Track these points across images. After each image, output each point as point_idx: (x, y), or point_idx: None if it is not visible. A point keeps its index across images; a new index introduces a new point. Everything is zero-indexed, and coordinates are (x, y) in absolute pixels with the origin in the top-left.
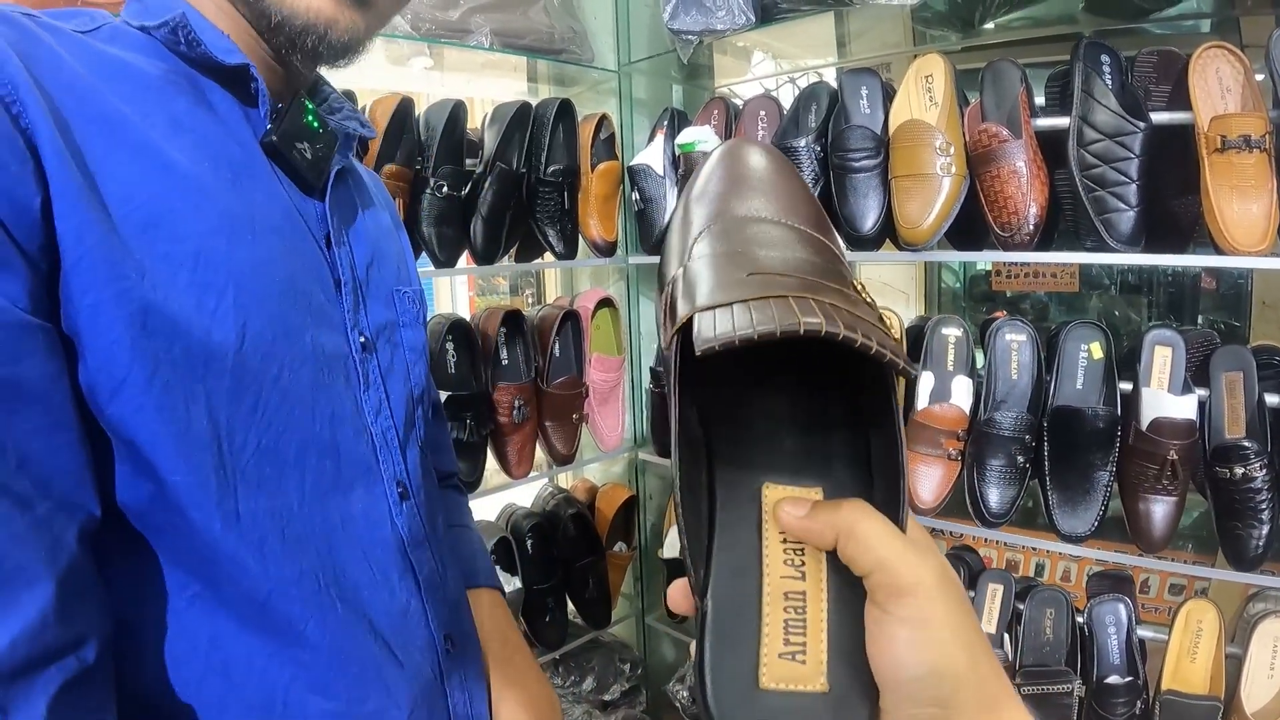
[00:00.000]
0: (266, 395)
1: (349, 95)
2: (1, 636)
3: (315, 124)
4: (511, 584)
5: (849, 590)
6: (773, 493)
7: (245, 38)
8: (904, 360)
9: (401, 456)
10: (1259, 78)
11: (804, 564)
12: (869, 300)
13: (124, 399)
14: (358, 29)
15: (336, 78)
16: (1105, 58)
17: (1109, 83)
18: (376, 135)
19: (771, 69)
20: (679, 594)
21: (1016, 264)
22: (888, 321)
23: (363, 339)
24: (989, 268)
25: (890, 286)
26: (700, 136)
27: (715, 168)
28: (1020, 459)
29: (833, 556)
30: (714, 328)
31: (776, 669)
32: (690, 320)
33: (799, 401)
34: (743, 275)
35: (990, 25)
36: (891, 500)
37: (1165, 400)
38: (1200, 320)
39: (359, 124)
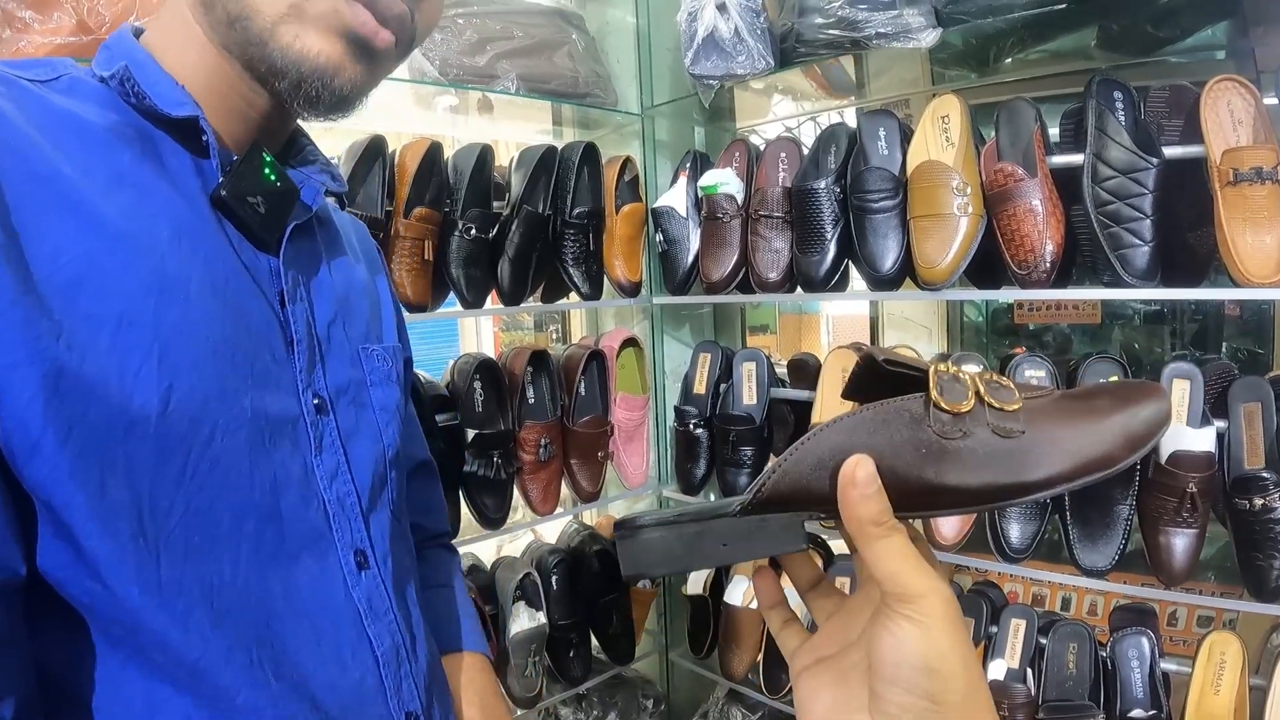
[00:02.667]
0: (195, 461)
1: (377, 142)
2: None
3: (272, 177)
4: (536, 619)
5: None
6: None
7: (219, 86)
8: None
9: (363, 523)
10: (1272, 101)
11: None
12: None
13: (39, 462)
14: (359, 81)
15: (364, 122)
16: (1118, 94)
17: (1122, 119)
18: (346, 189)
19: (792, 108)
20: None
21: (1040, 298)
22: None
23: (317, 400)
24: (1011, 302)
25: (913, 322)
26: (722, 179)
27: None
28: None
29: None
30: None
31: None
32: None
33: None
34: None
35: (1009, 61)
36: None
37: (1184, 433)
38: (1224, 348)
39: (330, 178)
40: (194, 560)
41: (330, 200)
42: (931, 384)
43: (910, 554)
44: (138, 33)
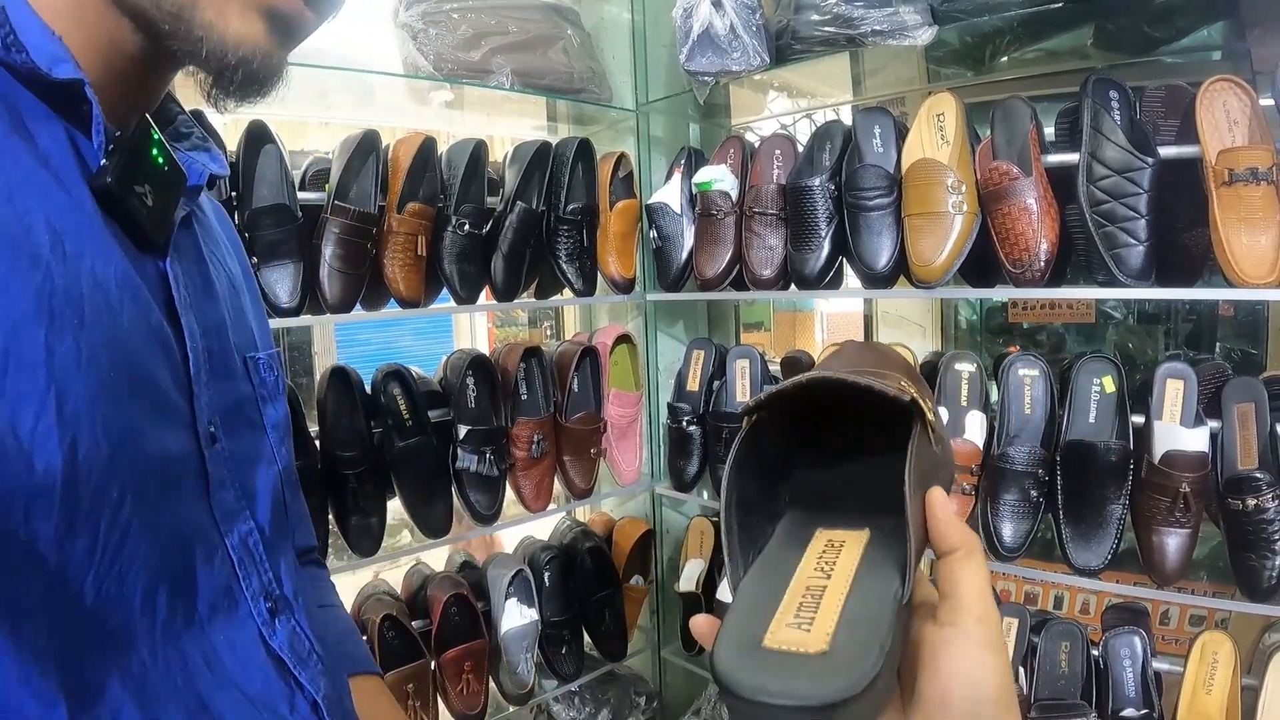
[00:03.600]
0: (106, 530)
1: (371, 137)
2: None
3: (161, 160)
4: (529, 616)
5: (872, 583)
6: (823, 535)
7: (101, 44)
8: (904, 395)
9: (270, 563)
10: (1269, 102)
11: (833, 569)
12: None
13: None
14: (275, 63)
15: (358, 116)
16: (1113, 93)
17: (1117, 119)
18: (228, 172)
19: (788, 105)
20: (702, 626)
21: (1034, 297)
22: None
23: (211, 428)
24: (1005, 300)
25: (907, 320)
26: (716, 175)
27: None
28: (1034, 493)
29: (863, 559)
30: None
31: (781, 633)
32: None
33: (864, 468)
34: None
35: (1005, 59)
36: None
37: (1177, 433)
38: (1218, 348)
39: (209, 157)
40: (112, 651)
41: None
42: (927, 410)
43: (986, 584)
44: None
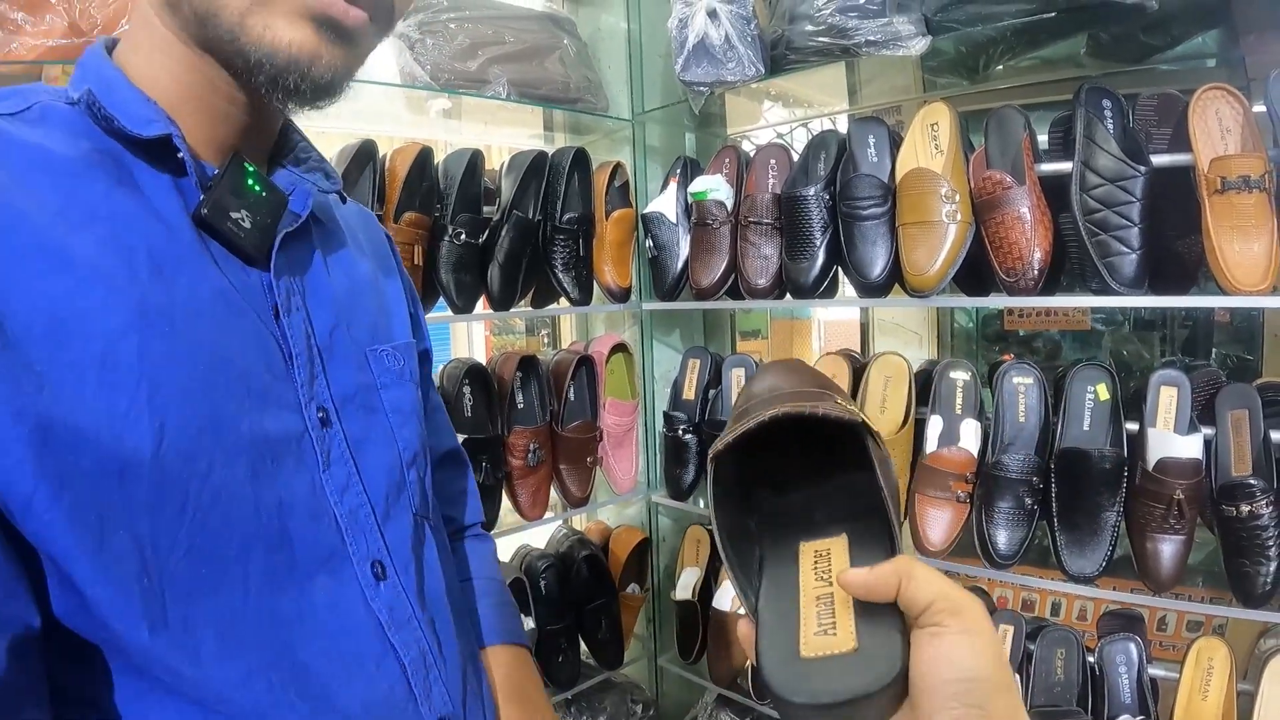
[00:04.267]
0: (195, 496)
1: (368, 147)
2: None
3: (257, 187)
4: (525, 624)
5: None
6: (807, 547)
7: (199, 88)
8: (856, 416)
9: (378, 534)
10: (1262, 109)
11: (831, 575)
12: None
13: (34, 516)
14: (338, 67)
15: (355, 126)
16: (1106, 102)
17: (1110, 127)
18: (340, 186)
19: (784, 114)
20: (745, 631)
21: (1028, 305)
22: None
23: (321, 413)
24: (1002, 308)
25: (903, 328)
26: (712, 185)
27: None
28: (1028, 501)
29: (852, 560)
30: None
31: (813, 643)
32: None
33: (819, 481)
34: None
35: (1000, 67)
36: (885, 533)
37: (1171, 440)
38: (1214, 354)
39: (324, 176)
40: (201, 595)
41: (333, 198)
42: (869, 421)
43: (939, 573)
44: (112, 45)
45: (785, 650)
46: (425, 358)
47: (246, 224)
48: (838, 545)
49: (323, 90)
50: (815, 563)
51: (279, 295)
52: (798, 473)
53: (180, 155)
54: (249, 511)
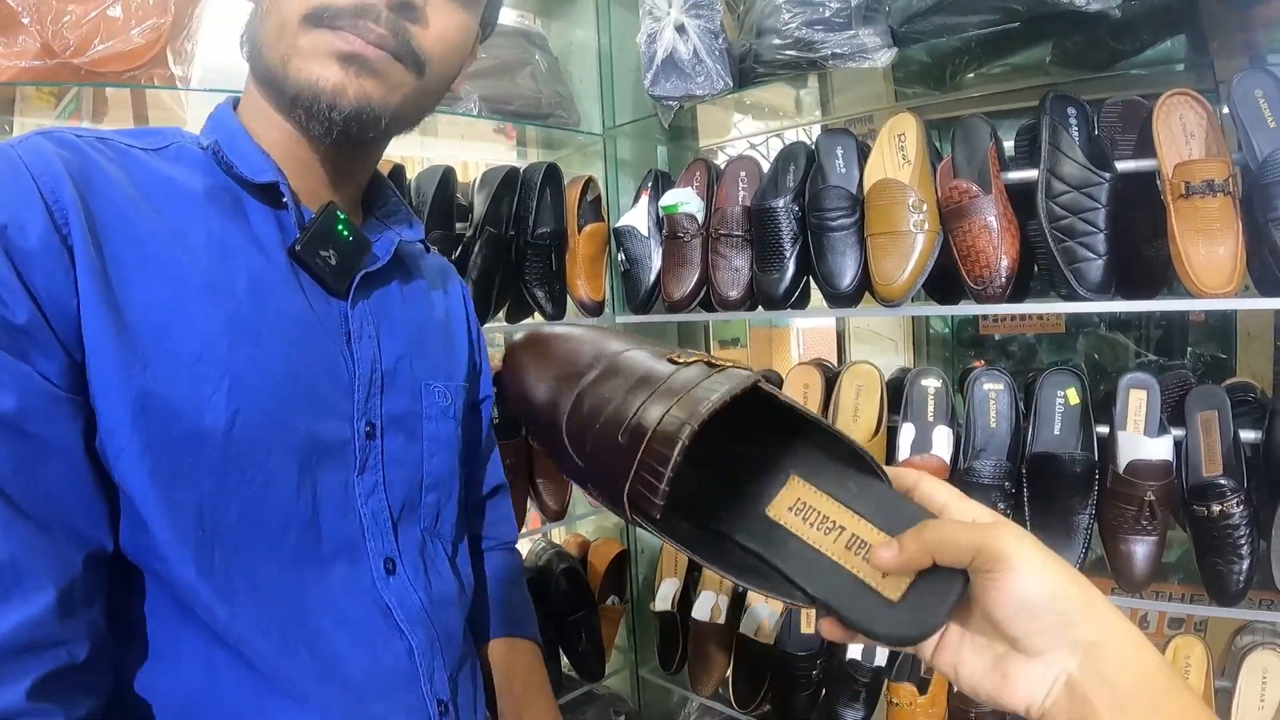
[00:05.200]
0: (251, 474)
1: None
2: (5, 622)
3: (345, 233)
4: None
5: (861, 492)
6: (777, 510)
7: (288, 145)
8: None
9: (393, 536)
10: (1228, 112)
11: (828, 517)
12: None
13: (123, 464)
14: (367, 97)
15: None
16: (1071, 110)
17: (1075, 135)
18: (423, 235)
19: (756, 125)
20: (833, 632)
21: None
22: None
23: (368, 427)
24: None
25: (879, 335)
26: (682, 198)
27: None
28: (1001, 506)
29: (826, 491)
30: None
31: (888, 583)
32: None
33: (717, 453)
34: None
35: (970, 75)
36: (831, 448)
37: (1141, 442)
38: (1189, 354)
39: (407, 227)
40: (242, 555)
41: (422, 249)
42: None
43: (960, 525)
44: (235, 103)
45: (874, 608)
46: (484, 403)
47: (333, 261)
48: (798, 488)
49: (355, 118)
50: (804, 518)
51: (353, 324)
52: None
53: (284, 199)
54: (290, 496)
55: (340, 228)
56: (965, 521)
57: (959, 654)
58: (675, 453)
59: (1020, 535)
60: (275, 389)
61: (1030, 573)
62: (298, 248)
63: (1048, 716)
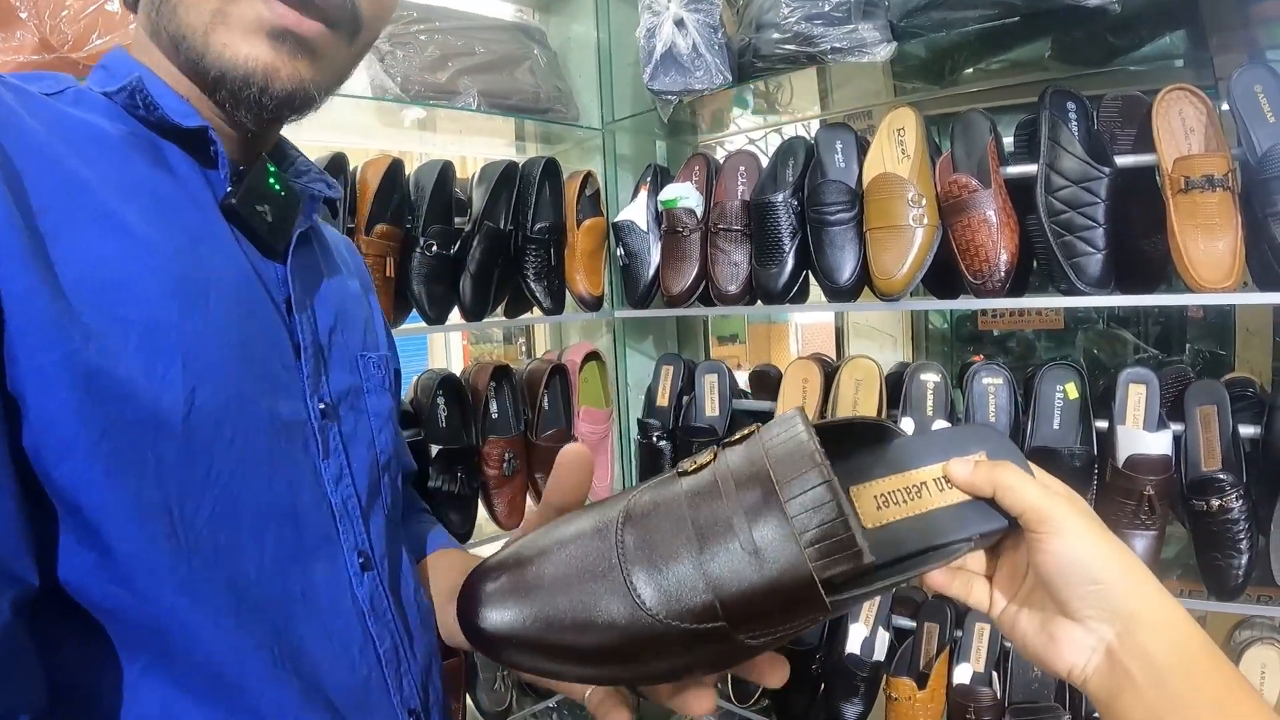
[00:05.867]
0: (220, 461)
1: (338, 159)
2: None
3: (277, 186)
4: None
5: (919, 455)
6: (864, 514)
7: (200, 101)
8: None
9: (364, 525)
10: (1227, 108)
11: (909, 487)
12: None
13: (72, 463)
14: (301, 79)
15: (328, 138)
16: (1071, 105)
17: (1074, 130)
18: (340, 194)
19: (755, 121)
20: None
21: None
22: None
23: (323, 405)
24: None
25: (878, 330)
26: (681, 193)
27: None
28: None
29: (904, 468)
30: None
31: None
32: None
33: None
34: None
35: (969, 71)
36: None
37: (1140, 437)
38: (1188, 349)
39: (325, 185)
40: (222, 560)
41: (316, 216)
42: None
43: (1029, 480)
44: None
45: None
46: (397, 376)
47: (269, 218)
48: (867, 490)
49: (287, 103)
50: (890, 504)
51: (293, 290)
52: None
53: (214, 148)
54: (265, 485)
55: (273, 181)
56: (1035, 480)
57: (1017, 614)
58: (836, 497)
59: (1074, 506)
60: (232, 362)
61: (1074, 537)
62: (234, 200)
63: (1090, 684)
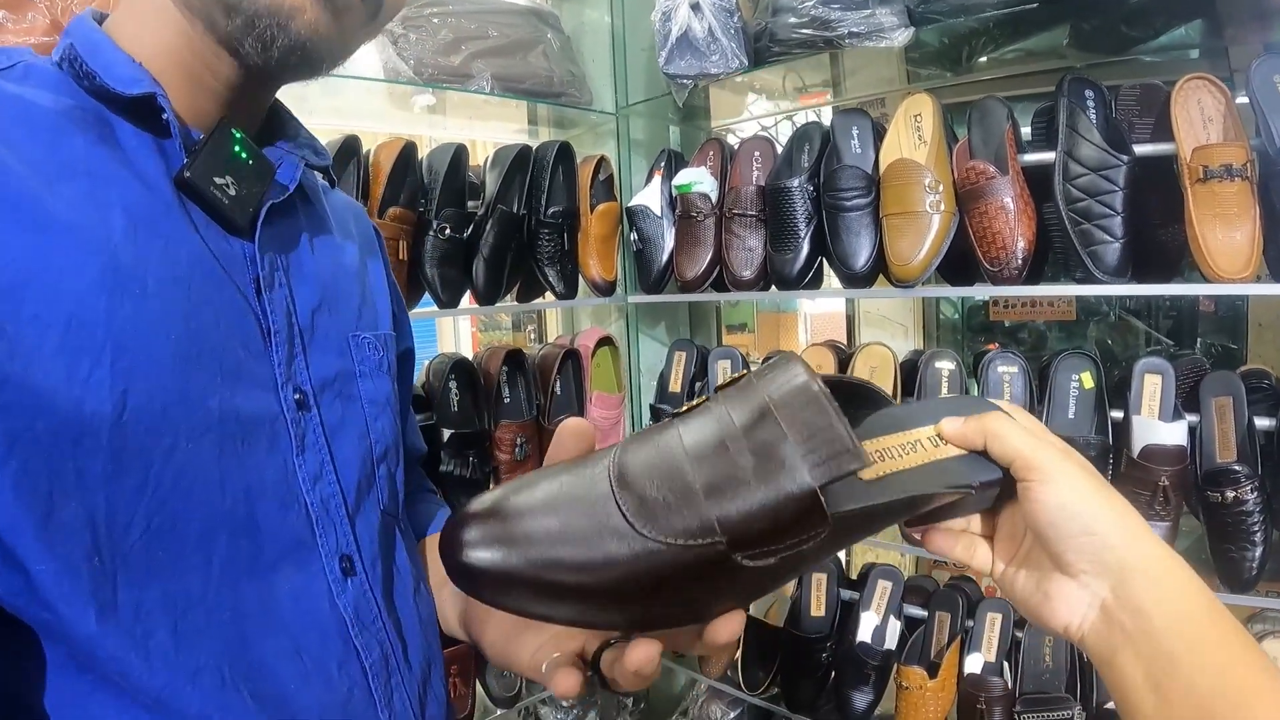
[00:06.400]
0: (157, 472)
1: (351, 142)
2: None
3: (244, 155)
4: None
5: (920, 417)
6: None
7: (184, 55)
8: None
9: (349, 526)
10: (1244, 100)
11: (905, 443)
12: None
13: None
14: (319, 29)
15: (340, 122)
16: (1089, 92)
17: (1093, 117)
18: (330, 162)
19: (768, 107)
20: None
21: (1013, 295)
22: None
23: (298, 395)
24: (987, 299)
25: (889, 319)
26: (696, 178)
27: None
28: None
29: (902, 427)
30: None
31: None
32: None
33: None
34: None
35: (984, 59)
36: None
37: (1155, 427)
38: (1199, 343)
39: (313, 152)
40: (157, 579)
41: (322, 181)
42: None
43: (1018, 428)
44: (100, 18)
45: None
46: (407, 357)
47: (232, 191)
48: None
49: (297, 48)
50: (890, 457)
51: (262, 268)
52: None
53: (165, 116)
54: (214, 493)
55: (238, 149)
56: (1024, 429)
57: (1015, 574)
58: (832, 406)
59: (1067, 456)
60: (173, 356)
61: (1064, 485)
62: (187, 173)
63: (1087, 642)
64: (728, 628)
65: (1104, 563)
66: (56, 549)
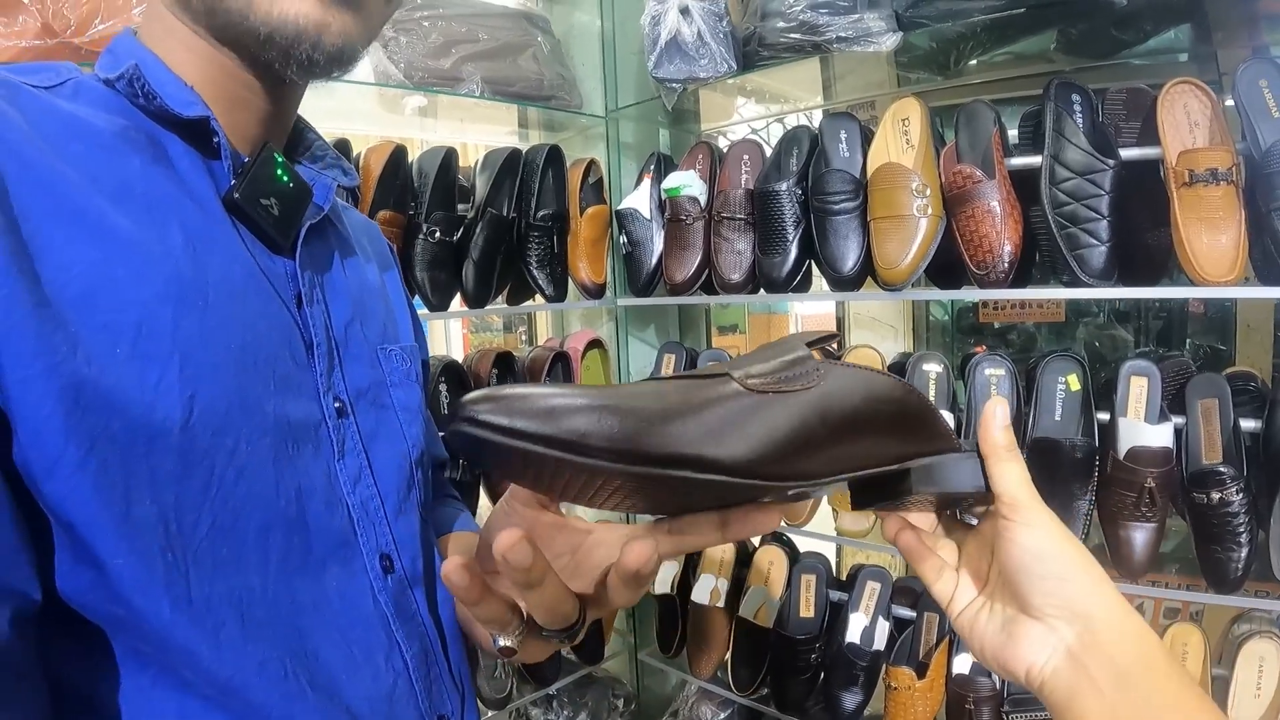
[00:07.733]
0: (221, 472)
1: (342, 146)
2: None
3: (284, 178)
4: None
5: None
6: None
7: (218, 79)
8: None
9: (387, 527)
10: (1232, 103)
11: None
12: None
13: (59, 479)
14: (350, 33)
15: (330, 125)
16: (1076, 96)
17: (1079, 121)
18: (359, 182)
19: (758, 109)
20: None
21: (999, 298)
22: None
23: (338, 404)
24: (976, 301)
25: (879, 321)
26: (685, 181)
27: None
28: None
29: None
30: None
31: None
32: None
33: None
34: None
35: (974, 62)
36: None
37: (1141, 429)
38: (1188, 344)
39: (341, 172)
40: (223, 574)
41: (340, 200)
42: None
43: (1026, 480)
44: (135, 33)
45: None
46: (425, 367)
47: (275, 212)
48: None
49: (336, 58)
50: None
51: (302, 284)
52: None
53: (216, 140)
54: (270, 493)
55: (280, 172)
56: (1027, 476)
57: (977, 615)
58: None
59: (1042, 502)
60: (233, 364)
61: (1041, 532)
62: (236, 195)
63: (1047, 686)
64: (768, 520)
65: (1073, 609)
66: (135, 544)
